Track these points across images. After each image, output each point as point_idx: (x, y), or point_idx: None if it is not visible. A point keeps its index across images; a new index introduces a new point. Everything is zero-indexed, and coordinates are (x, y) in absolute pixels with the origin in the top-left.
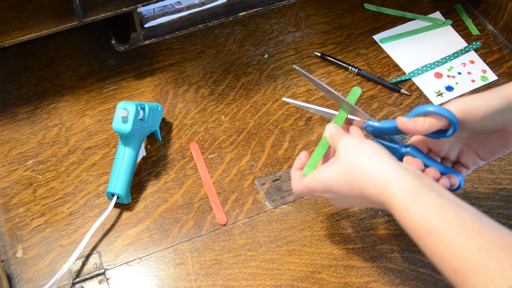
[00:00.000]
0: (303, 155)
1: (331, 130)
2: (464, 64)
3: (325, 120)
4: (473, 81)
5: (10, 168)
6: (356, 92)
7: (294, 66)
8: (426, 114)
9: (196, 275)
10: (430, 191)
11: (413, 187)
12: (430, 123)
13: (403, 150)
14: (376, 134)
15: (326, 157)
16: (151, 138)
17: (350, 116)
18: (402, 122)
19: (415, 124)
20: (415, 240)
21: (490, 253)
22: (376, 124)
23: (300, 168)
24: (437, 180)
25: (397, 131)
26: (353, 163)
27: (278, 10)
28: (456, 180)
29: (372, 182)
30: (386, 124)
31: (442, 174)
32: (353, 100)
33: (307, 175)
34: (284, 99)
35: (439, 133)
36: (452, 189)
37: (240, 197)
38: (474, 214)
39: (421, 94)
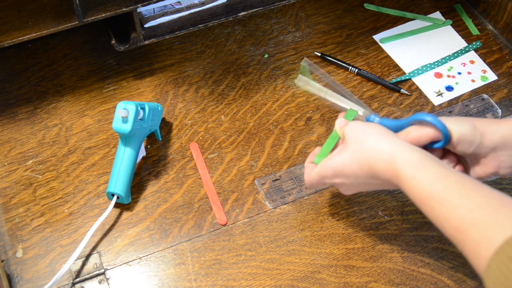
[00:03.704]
0: (317, 150)
1: (341, 124)
2: (464, 64)
3: (325, 120)
4: (473, 81)
5: (10, 168)
6: (351, 113)
7: (305, 58)
8: (422, 122)
9: (196, 275)
10: (435, 163)
11: (419, 159)
12: (416, 135)
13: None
14: None
15: (335, 148)
16: (151, 138)
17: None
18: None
19: (405, 137)
20: (420, 206)
21: (488, 210)
22: (377, 119)
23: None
24: None
25: (396, 130)
26: (361, 144)
27: (278, 10)
28: None
29: (381, 158)
30: (386, 122)
31: None
32: (349, 119)
33: (320, 161)
34: (295, 82)
35: (432, 143)
36: None
37: (240, 197)
38: (473, 180)
39: (421, 94)
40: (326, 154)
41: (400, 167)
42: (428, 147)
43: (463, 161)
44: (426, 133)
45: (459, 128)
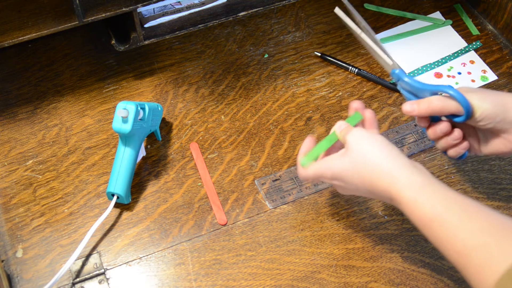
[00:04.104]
0: (308, 140)
1: (341, 127)
2: (464, 64)
3: (325, 120)
4: (473, 81)
5: (10, 168)
6: (356, 117)
7: (336, 8)
8: (443, 94)
9: (196, 275)
10: (437, 184)
11: (421, 181)
12: (438, 106)
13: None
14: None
15: (329, 152)
16: (151, 138)
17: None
18: (406, 111)
19: (418, 111)
20: (421, 229)
21: (490, 234)
22: (405, 77)
23: (305, 154)
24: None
25: (417, 92)
26: (364, 157)
27: (278, 10)
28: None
29: (382, 178)
30: (411, 81)
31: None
32: (352, 123)
33: (307, 165)
34: (335, 10)
35: (452, 115)
36: (456, 158)
37: (240, 197)
38: (477, 203)
39: None
40: (317, 157)
41: (401, 190)
42: (448, 118)
43: (473, 135)
44: (449, 106)
45: (482, 104)
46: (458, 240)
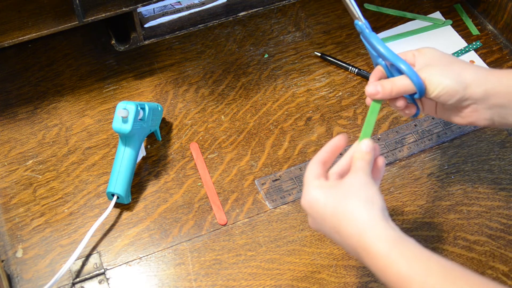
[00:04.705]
0: (327, 150)
1: (365, 149)
2: None
3: (325, 120)
4: None
5: (10, 168)
6: (376, 107)
7: None
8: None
9: (196, 275)
10: (413, 242)
11: (396, 236)
12: (399, 90)
13: (379, 61)
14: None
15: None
16: (151, 138)
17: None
18: (370, 93)
19: (383, 94)
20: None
21: None
22: (367, 29)
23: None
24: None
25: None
26: (345, 200)
27: (278, 10)
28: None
29: (354, 224)
30: (373, 41)
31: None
32: (374, 116)
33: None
34: None
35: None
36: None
37: (240, 197)
38: (458, 266)
39: None
40: (370, 133)
41: (371, 241)
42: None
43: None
44: (411, 87)
45: (444, 80)
46: None
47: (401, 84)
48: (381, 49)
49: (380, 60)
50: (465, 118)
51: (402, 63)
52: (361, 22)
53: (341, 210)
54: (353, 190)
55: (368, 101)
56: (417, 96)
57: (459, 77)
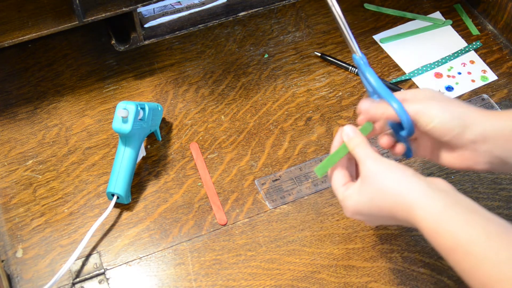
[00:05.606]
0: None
1: (349, 135)
2: (464, 64)
3: (325, 120)
4: (473, 81)
5: (10, 168)
6: (367, 128)
7: None
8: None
9: (196, 275)
10: (459, 208)
11: (441, 208)
12: (389, 115)
13: (374, 97)
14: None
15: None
16: (151, 138)
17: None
18: (362, 109)
19: (375, 112)
20: (445, 257)
21: None
22: (362, 62)
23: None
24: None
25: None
26: (381, 190)
27: (278, 10)
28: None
29: (401, 208)
30: (368, 77)
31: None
32: (364, 133)
33: (320, 177)
34: None
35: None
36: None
37: (240, 197)
38: (501, 226)
39: None
40: (327, 168)
41: (420, 218)
42: (393, 126)
43: (426, 141)
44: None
45: (442, 114)
46: (483, 272)
47: (392, 110)
48: (374, 83)
49: (375, 96)
50: (463, 161)
51: (394, 101)
52: (358, 56)
53: (385, 200)
54: (381, 177)
55: (360, 120)
56: (405, 134)
57: (458, 114)
